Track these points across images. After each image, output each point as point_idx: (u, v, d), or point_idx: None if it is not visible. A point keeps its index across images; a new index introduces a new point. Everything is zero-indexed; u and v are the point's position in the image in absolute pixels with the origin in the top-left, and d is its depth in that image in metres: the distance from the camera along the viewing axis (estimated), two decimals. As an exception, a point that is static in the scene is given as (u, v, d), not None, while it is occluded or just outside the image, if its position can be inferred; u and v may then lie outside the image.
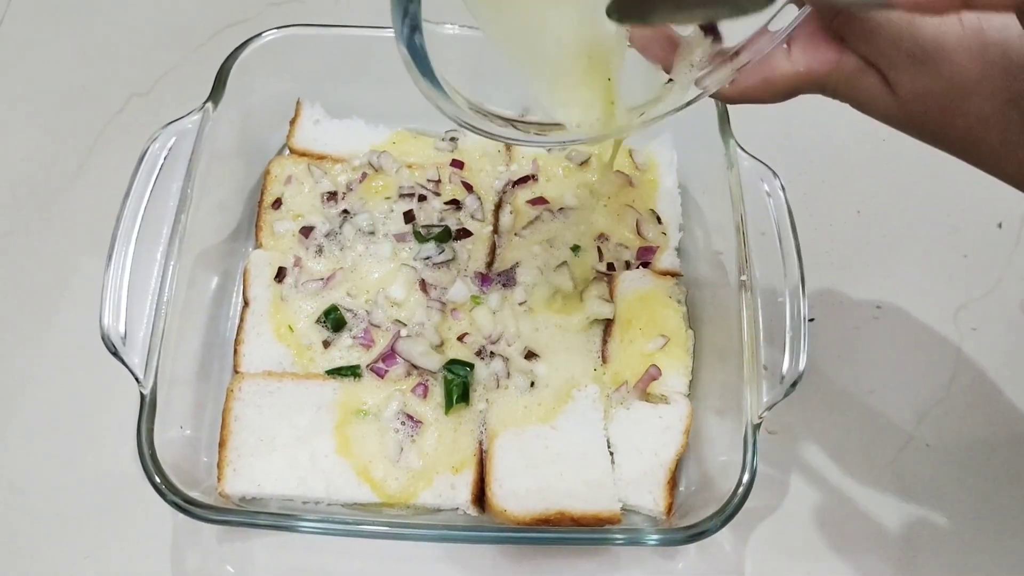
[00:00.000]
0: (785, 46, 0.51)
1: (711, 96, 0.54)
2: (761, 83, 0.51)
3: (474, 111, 0.54)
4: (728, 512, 0.61)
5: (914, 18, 0.46)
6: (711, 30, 0.52)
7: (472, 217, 0.82)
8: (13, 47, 0.98)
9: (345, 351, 0.75)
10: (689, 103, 0.56)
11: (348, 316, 0.75)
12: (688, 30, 0.53)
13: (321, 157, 0.85)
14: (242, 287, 0.78)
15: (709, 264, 0.80)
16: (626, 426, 0.71)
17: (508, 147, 0.87)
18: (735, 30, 0.52)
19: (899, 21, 0.47)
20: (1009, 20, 0.46)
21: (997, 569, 0.72)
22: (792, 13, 0.50)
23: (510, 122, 0.56)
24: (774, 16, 0.51)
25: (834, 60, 0.50)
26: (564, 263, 0.78)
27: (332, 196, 0.82)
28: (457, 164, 0.85)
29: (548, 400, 0.72)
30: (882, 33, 0.47)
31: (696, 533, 0.61)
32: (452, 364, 0.73)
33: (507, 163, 0.86)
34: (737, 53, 0.52)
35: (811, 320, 0.81)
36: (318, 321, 0.75)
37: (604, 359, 0.75)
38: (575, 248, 0.79)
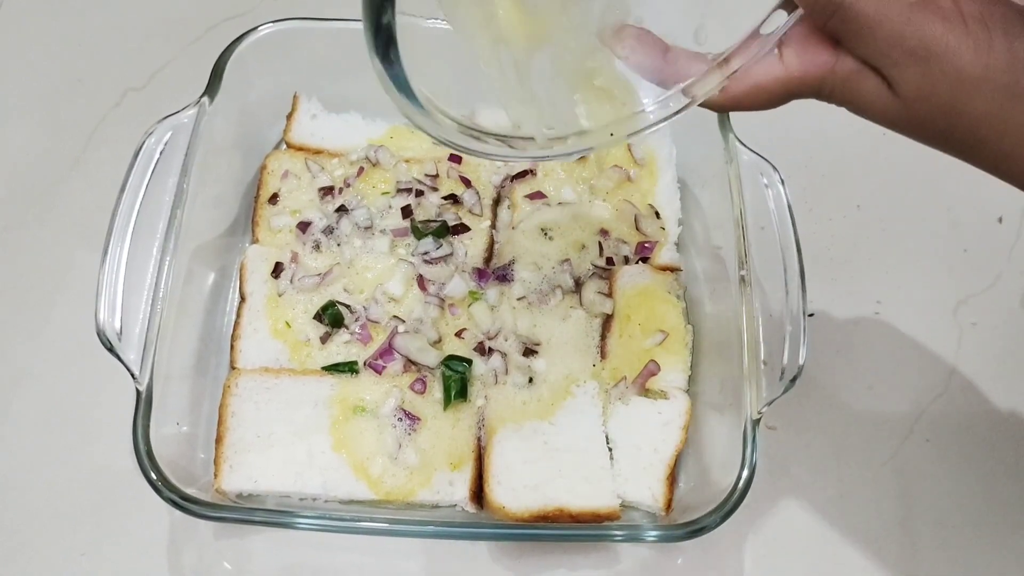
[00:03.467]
0: (776, 51, 0.49)
1: (700, 105, 0.52)
2: (753, 89, 0.50)
3: (463, 132, 0.52)
4: (727, 508, 0.61)
5: (914, 14, 0.45)
6: None
7: (470, 212, 0.81)
8: (7, 41, 0.97)
9: (342, 347, 0.74)
10: (677, 113, 0.54)
11: (345, 312, 0.75)
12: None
13: (318, 151, 0.85)
14: (238, 283, 0.78)
15: (708, 259, 0.80)
16: (625, 422, 0.71)
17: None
18: (725, 36, 0.51)
19: (899, 18, 0.45)
20: (1013, 12, 0.45)
21: (998, 564, 0.72)
22: (782, 17, 0.49)
23: (489, 136, 0.54)
24: (765, 19, 0.49)
25: (829, 63, 0.48)
26: (567, 260, 0.78)
27: (329, 191, 0.82)
28: (455, 159, 0.84)
29: (547, 396, 0.72)
30: (881, 31, 0.45)
31: (695, 529, 0.61)
32: (450, 360, 0.72)
33: (505, 158, 0.85)
34: (727, 59, 0.51)
35: (810, 315, 0.80)
36: (315, 317, 0.75)
37: (603, 355, 0.75)
38: (582, 247, 0.79)
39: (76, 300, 0.80)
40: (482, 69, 0.50)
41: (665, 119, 0.54)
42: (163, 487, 0.60)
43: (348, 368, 0.72)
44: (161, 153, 0.70)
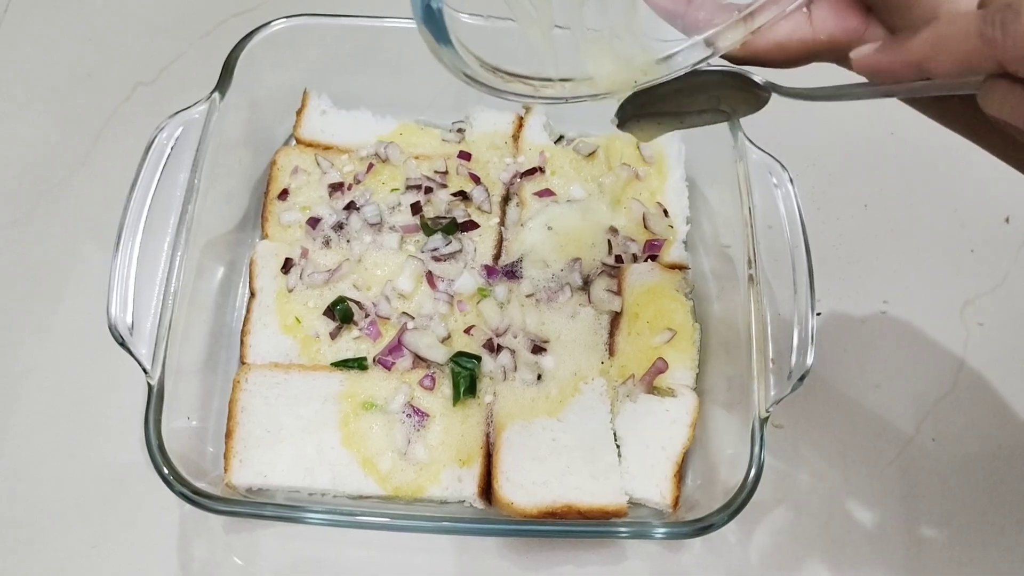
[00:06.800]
0: (805, 9, 0.48)
1: (721, 56, 0.51)
2: (775, 46, 0.48)
3: (490, 72, 0.50)
4: (735, 506, 0.61)
5: None
6: None
7: (479, 209, 0.82)
8: (18, 35, 0.98)
9: (352, 343, 0.74)
10: (698, 63, 0.52)
11: (355, 308, 0.75)
12: None
13: (328, 148, 0.85)
14: (248, 278, 0.78)
15: (717, 257, 0.80)
16: (633, 419, 0.71)
17: (515, 139, 0.86)
18: None
19: None
20: None
21: (1002, 564, 0.72)
22: None
23: (520, 78, 0.53)
24: None
25: (859, 30, 0.47)
26: (576, 258, 0.78)
27: (339, 187, 0.82)
28: (464, 156, 0.84)
29: (555, 393, 0.72)
30: (918, 7, 0.44)
31: (703, 527, 0.61)
32: (459, 356, 0.73)
33: (514, 155, 0.86)
34: (755, 12, 0.49)
35: (818, 314, 0.80)
36: (325, 313, 0.75)
37: (611, 352, 0.75)
38: (592, 245, 0.79)
39: (86, 294, 0.80)
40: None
41: (685, 68, 0.52)
42: (174, 481, 0.61)
43: (357, 364, 0.73)
44: (172, 148, 0.70)
